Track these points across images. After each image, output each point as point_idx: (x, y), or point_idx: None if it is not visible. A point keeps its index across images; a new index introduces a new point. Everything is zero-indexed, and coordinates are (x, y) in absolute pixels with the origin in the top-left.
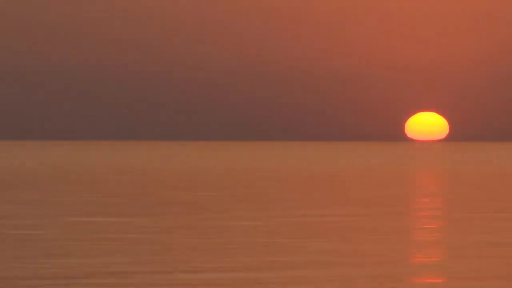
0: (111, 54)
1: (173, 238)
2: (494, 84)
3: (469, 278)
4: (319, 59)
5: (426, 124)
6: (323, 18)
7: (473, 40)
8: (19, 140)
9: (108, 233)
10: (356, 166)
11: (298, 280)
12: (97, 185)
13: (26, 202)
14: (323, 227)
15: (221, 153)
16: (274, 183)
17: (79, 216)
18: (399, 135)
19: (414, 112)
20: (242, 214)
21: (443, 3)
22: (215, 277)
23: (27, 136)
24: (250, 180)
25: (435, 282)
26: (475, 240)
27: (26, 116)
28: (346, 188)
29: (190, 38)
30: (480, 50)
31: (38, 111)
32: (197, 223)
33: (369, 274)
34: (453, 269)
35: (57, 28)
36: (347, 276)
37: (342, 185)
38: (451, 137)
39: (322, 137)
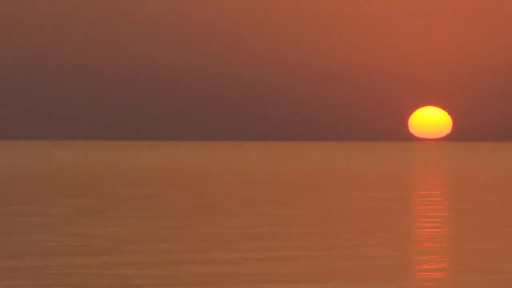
0: (112, 54)
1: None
2: (496, 77)
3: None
4: (318, 59)
5: (430, 120)
6: (322, 17)
7: (477, 36)
8: (19, 140)
9: None
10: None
11: None
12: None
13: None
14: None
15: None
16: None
17: None
18: (403, 132)
19: (416, 108)
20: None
21: (447, 1)
22: None
23: (26, 136)
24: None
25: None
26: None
27: (26, 116)
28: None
29: (190, 39)
30: (482, 44)
31: (38, 111)
32: None
33: None
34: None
35: (57, 28)
36: None
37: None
38: (455, 132)
39: (324, 138)
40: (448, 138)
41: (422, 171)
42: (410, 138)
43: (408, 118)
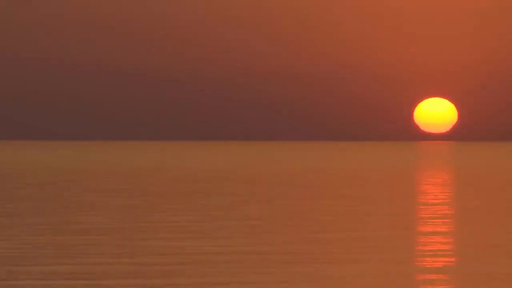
0: (112, 54)
1: None
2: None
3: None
4: (319, 59)
5: (435, 113)
6: (324, 18)
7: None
8: (18, 140)
9: None
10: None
11: None
12: None
13: None
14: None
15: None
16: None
17: None
18: (408, 127)
19: (420, 100)
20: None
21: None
22: None
23: (25, 136)
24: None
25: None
26: None
27: (25, 116)
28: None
29: (190, 39)
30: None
31: (38, 111)
32: None
33: None
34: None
35: (57, 27)
36: None
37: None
38: (460, 124)
39: (330, 137)
40: (455, 130)
41: (432, 174)
42: (417, 133)
43: (413, 112)
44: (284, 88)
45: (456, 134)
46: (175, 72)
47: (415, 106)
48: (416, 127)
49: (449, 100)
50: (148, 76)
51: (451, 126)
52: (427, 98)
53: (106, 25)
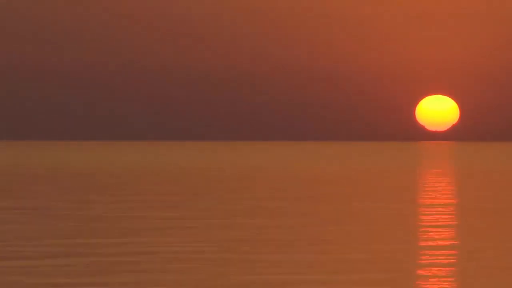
0: (112, 53)
1: None
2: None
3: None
4: (318, 58)
5: (436, 109)
6: (324, 17)
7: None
8: (18, 140)
9: None
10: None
11: None
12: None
13: None
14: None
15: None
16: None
17: None
18: (410, 126)
19: (422, 97)
20: None
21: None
22: None
23: (27, 137)
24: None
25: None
26: None
27: (25, 116)
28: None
29: (190, 39)
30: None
31: (37, 111)
32: None
33: None
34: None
35: (57, 27)
36: None
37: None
38: (462, 121)
39: (331, 138)
40: (456, 128)
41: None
42: (416, 132)
43: (414, 110)
44: (282, 87)
45: (457, 133)
46: (178, 71)
47: (416, 104)
48: (419, 126)
49: (451, 97)
50: (146, 75)
51: (452, 124)
52: (428, 95)
53: (106, 25)
